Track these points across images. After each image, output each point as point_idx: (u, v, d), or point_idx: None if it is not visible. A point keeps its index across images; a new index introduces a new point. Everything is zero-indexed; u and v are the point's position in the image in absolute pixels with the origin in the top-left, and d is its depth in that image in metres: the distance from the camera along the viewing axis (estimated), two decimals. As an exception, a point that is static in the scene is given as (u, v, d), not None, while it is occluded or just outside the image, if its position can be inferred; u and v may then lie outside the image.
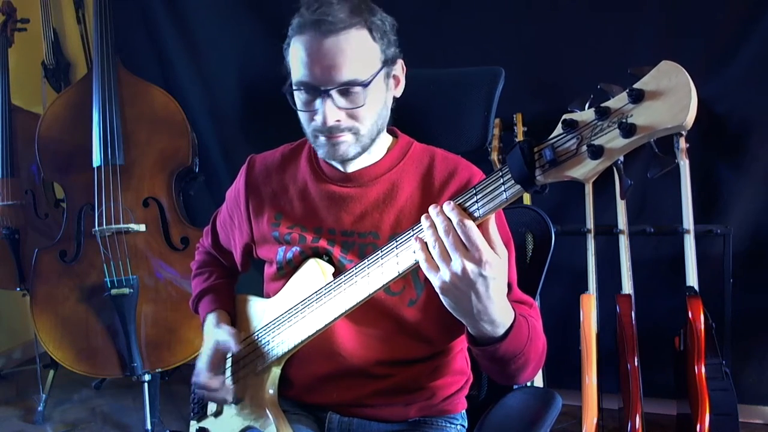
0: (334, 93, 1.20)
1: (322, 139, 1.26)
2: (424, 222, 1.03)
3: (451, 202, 1.00)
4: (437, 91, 1.67)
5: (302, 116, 1.28)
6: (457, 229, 0.98)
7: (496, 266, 0.99)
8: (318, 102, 1.22)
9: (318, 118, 1.22)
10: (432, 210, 1.02)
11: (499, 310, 1.04)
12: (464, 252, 0.97)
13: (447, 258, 0.99)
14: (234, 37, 3.05)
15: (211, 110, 3.16)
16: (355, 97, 1.22)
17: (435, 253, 1.00)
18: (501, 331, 1.08)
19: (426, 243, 1.02)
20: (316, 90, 1.21)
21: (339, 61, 1.18)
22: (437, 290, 1.02)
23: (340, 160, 1.31)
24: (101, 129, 2.77)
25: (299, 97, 1.25)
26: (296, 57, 1.22)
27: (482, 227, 0.99)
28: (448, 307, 1.04)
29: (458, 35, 2.74)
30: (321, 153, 1.30)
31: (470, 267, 0.97)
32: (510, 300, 1.24)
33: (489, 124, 1.61)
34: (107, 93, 2.80)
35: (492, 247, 0.99)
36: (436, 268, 1.00)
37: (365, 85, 1.21)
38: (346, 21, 1.18)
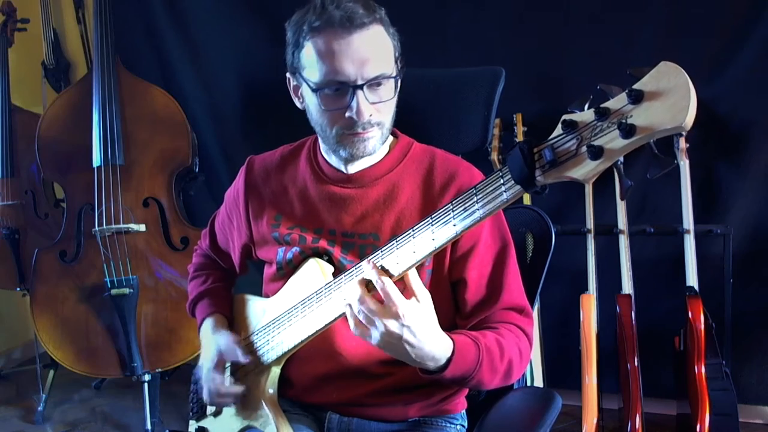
0: (365, 88, 1.21)
1: (351, 137, 1.26)
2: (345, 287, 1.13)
3: (371, 262, 1.09)
4: (437, 91, 1.67)
5: (325, 117, 1.26)
6: (377, 289, 1.05)
7: (416, 313, 1.05)
8: (348, 99, 1.21)
9: (351, 115, 1.22)
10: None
11: (435, 347, 1.10)
12: (382, 312, 1.04)
13: (371, 322, 1.06)
14: (234, 38, 3.05)
15: (211, 110, 3.15)
16: (382, 91, 1.24)
17: (361, 318, 1.08)
18: (443, 361, 1.13)
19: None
20: (345, 86, 1.21)
21: (370, 54, 1.20)
22: (374, 346, 1.09)
23: (366, 156, 1.30)
24: (101, 129, 2.77)
25: (323, 98, 1.24)
26: (318, 55, 1.21)
27: (405, 276, 1.07)
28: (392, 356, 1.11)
29: (458, 35, 2.74)
30: (345, 153, 1.29)
31: (391, 324, 1.04)
32: (500, 307, 1.26)
33: (489, 125, 1.60)
34: (107, 93, 2.80)
35: (414, 294, 1.07)
36: (366, 330, 1.08)
37: (395, 77, 1.24)
38: (368, 16, 1.20)
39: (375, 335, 1.06)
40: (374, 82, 1.22)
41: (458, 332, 1.18)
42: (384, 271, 1.08)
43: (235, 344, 1.38)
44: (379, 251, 1.13)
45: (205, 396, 1.40)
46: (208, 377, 1.39)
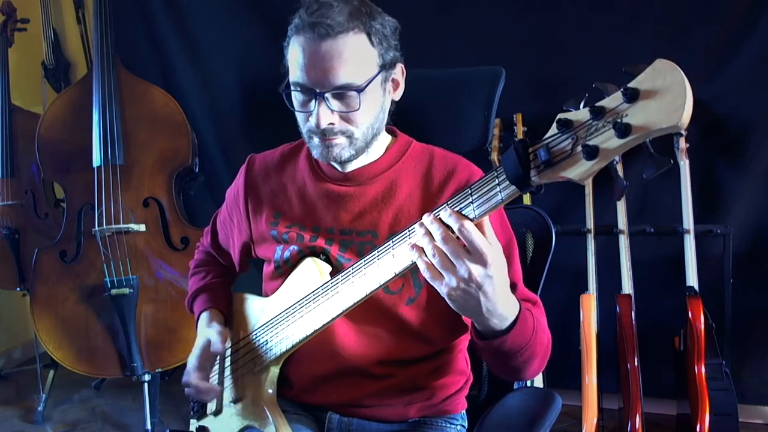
0: (328, 96, 1.20)
1: (316, 140, 1.26)
2: (418, 230, 1.03)
3: (448, 208, 1.00)
4: (437, 91, 1.67)
5: (298, 116, 1.28)
6: (458, 235, 0.98)
7: (499, 262, 0.99)
8: (313, 103, 1.22)
9: (312, 120, 1.22)
10: (426, 218, 1.02)
11: (506, 303, 1.05)
12: (468, 257, 0.98)
13: (450, 266, 0.99)
14: (234, 37, 3.05)
15: (211, 110, 3.16)
16: (350, 101, 1.22)
17: (436, 261, 1.00)
18: (507, 323, 1.08)
19: (423, 251, 1.02)
20: (311, 92, 1.21)
21: (334, 65, 1.18)
22: (444, 296, 1.02)
23: (333, 161, 1.31)
24: (101, 129, 2.77)
25: (296, 98, 1.25)
26: (293, 58, 1.22)
27: (479, 225, 0.99)
28: (455, 309, 1.04)
29: (458, 35, 2.73)
30: (315, 153, 1.30)
31: (477, 270, 0.98)
32: (516, 298, 1.24)
33: (489, 125, 1.60)
34: (107, 93, 2.80)
35: (491, 244, 0.99)
36: (440, 276, 1.01)
37: (360, 90, 1.21)
38: (343, 25, 1.18)
39: (451, 281, 0.99)
40: (338, 92, 1.21)
41: None
42: (463, 216, 1.00)
43: (218, 334, 1.38)
44: (376, 250, 1.12)
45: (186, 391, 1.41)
46: (187, 371, 1.39)
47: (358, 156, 1.31)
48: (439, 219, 1.00)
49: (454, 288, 1.00)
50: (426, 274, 1.02)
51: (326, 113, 1.21)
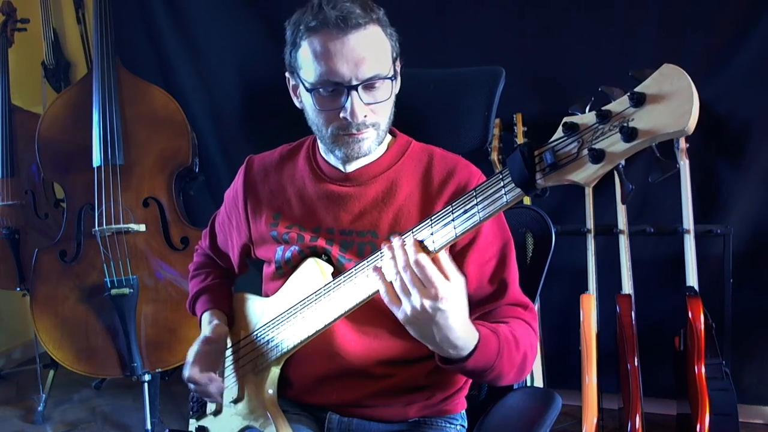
0: (360, 88, 1.21)
1: (345, 138, 1.26)
2: (386, 253, 1.05)
3: (411, 237, 1.04)
4: (437, 91, 1.67)
5: (321, 117, 1.27)
6: (413, 267, 1.00)
7: (453, 298, 1.01)
8: (342, 99, 1.22)
9: (345, 115, 1.22)
10: (395, 242, 1.04)
11: (461, 335, 1.06)
12: (421, 288, 1.00)
13: (407, 292, 1.01)
14: (234, 38, 3.05)
15: (211, 110, 3.15)
16: (378, 92, 1.24)
17: (396, 286, 1.03)
18: (465, 353, 1.09)
19: (384, 275, 1.05)
20: (340, 87, 1.21)
21: (365, 55, 1.20)
22: (400, 321, 1.04)
23: (361, 156, 1.31)
24: (101, 129, 2.77)
25: (318, 98, 1.25)
26: (314, 56, 1.21)
27: (435, 260, 1.02)
28: (413, 335, 1.06)
29: (458, 35, 2.73)
30: (341, 153, 1.29)
31: (428, 303, 1.00)
32: (505, 302, 1.26)
33: (489, 125, 1.60)
34: (107, 93, 2.80)
35: (446, 277, 1.01)
36: (398, 301, 1.03)
37: (392, 78, 1.24)
38: (365, 17, 1.20)
39: (406, 308, 1.02)
40: (369, 83, 1.22)
41: (477, 323, 1.15)
42: (423, 248, 1.03)
43: (213, 327, 1.40)
44: (378, 253, 1.12)
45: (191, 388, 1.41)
46: (185, 366, 1.39)
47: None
48: (404, 246, 1.03)
49: (408, 315, 1.02)
50: (385, 297, 1.05)
51: (361, 106, 1.22)
